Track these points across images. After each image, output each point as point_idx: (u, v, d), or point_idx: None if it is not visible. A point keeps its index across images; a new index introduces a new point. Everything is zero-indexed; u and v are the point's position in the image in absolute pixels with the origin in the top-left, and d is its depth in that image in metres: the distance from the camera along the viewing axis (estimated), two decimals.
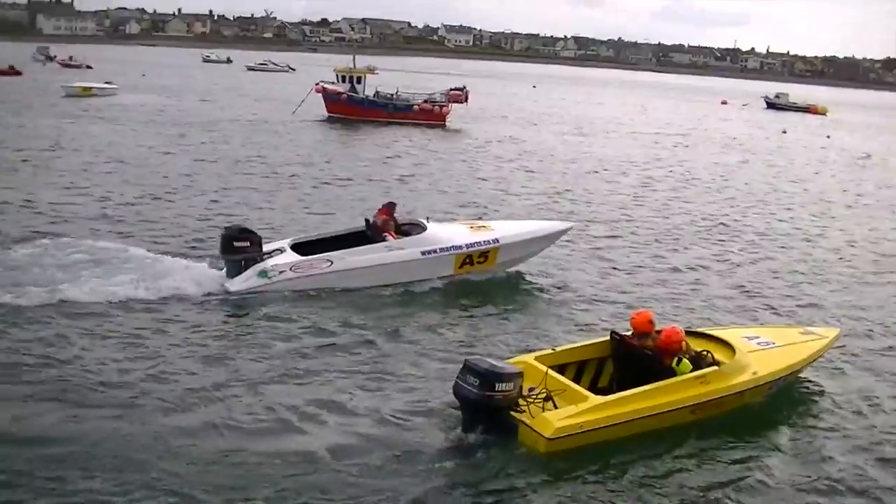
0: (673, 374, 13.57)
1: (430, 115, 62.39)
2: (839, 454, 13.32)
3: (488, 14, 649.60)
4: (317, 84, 63.27)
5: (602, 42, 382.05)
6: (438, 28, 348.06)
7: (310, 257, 19.99)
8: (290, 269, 19.62)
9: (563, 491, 11.68)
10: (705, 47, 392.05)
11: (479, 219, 26.19)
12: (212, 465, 11.60)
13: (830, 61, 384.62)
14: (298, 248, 20.67)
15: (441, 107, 62.96)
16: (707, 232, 30.18)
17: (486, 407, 12.44)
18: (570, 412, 12.57)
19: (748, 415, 14.17)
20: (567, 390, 13.11)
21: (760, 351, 15.18)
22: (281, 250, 20.38)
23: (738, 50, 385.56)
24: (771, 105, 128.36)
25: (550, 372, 13.28)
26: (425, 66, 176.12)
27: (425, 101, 63.55)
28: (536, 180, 39.89)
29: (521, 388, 12.67)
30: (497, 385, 12.31)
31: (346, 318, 18.02)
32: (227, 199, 29.76)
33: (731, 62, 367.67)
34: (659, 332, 14.20)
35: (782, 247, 28.89)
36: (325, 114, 62.15)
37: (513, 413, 12.61)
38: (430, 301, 19.87)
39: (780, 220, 34.07)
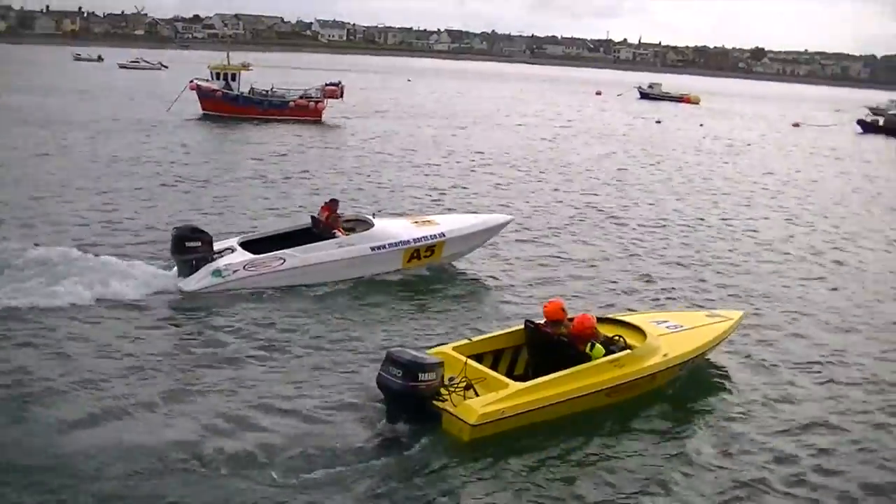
0: (587, 359, 14.01)
1: (305, 111, 61.44)
2: (745, 432, 13.99)
3: (361, 8, 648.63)
4: (191, 81, 61.42)
5: (476, 35, 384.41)
6: (312, 23, 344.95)
7: (262, 255, 20.12)
8: (244, 267, 19.75)
9: (488, 475, 12.06)
10: (578, 39, 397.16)
11: (426, 213, 26.29)
12: (152, 475, 11.48)
13: (701, 51, 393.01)
14: (247, 246, 20.78)
15: (317, 102, 61.93)
16: (601, 222, 30.69)
17: (411, 397, 12.74)
18: (492, 399, 12.94)
19: (661, 396, 14.81)
20: (487, 378, 13.50)
21: (670, 334, 15.72)
22: (231, 249, 20.47)
23: (611, 41, 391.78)
24: (645, 95, 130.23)
25: (469, 361, 13.67)
26: (299, 61, 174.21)
27: (301, 97, 62.42)
28: (421, 175, 39.83)
29: (442, 377, 13.03)
30: (420, 375, 12.67)
31: (284, 317, 18.15)
32: (115, 200, 28.95)
33: (604, 53, 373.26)
34: (571, 319, 14.59)
35: (676, 234, 29.82)
36: (200, 111, 60.58)
37: (435, 402, 12.93)
38: (376, 296, 20.12)
39: (673, 209, 34.86)
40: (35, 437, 12.13)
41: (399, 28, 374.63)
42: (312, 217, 22.17)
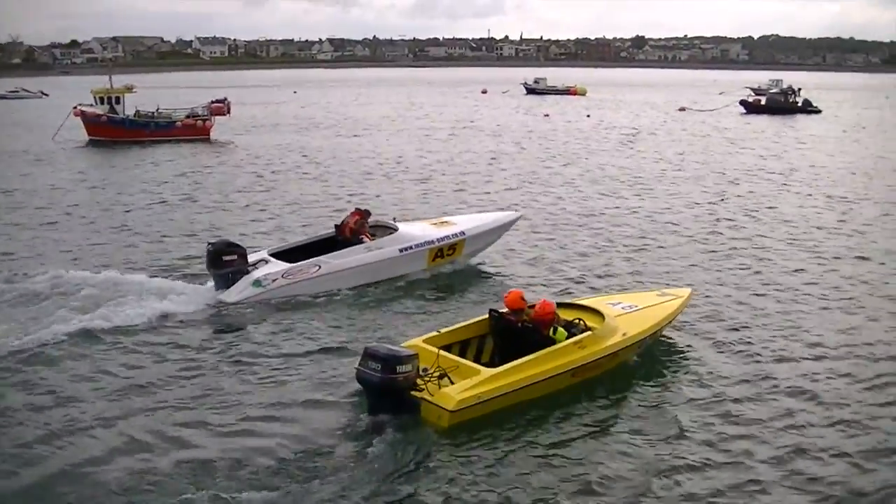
0: (551, 342, 15.00)
1: (193, 130, 60.38)
2: (700, 401, 15.03)
3: (240, 23, 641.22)
4: (75, 108, 59.83)
5: (358, 42, 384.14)
6: (192, 41, 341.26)
7: (299, 263, 21.18)
8: (282, 276, 20.77)
9: (468, 458, 12.80)
10: (460, 39, 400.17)
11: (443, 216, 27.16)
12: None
13: (583, 43, 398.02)
14: (279, 256, 21.87)
15: (204, 121, 60.99)
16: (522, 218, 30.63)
17: (390, 389, 13.46)
18: (467, 385, 13.81)
19: (622, 373, 15.95)
20: (459, 367, 14.37)
21: (626, 314, 16.87)
22: (265, 261, 21.44)
23: (493, 39, 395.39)
24: (531, 90, 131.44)
25: (442, 352, 14.52)
26: (183, 80, 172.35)
27: (188, 117, 61.44)
28: (319, 185, 39.62)
29: (418, 368, 13.76)
30: (398, 367, 13.38)
31: (323, 320, 19.38)
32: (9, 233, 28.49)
33: (486, 51, 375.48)
34: (532, 306, 15.63)
35: (594, 224, 30.81)
36: (87, 137, 59.03)
37: (413, 393, 13.68)
38: (403, 297, 21.30)
39: (586, 199, 35.80)
40: (115, 456, 12.71)
41: (281, 40, 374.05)
42: (336, 225, 23.15)
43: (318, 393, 15.06)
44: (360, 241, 22.21)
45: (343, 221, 23.04)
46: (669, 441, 13.48)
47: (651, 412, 14.56)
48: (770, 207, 34.09)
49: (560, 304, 16.59)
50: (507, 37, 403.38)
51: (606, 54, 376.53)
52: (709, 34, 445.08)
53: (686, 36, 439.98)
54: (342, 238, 22.53)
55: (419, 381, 13.81)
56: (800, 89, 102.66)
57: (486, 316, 16.18)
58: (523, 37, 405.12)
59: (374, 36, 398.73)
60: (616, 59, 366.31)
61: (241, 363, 16.56)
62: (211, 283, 21.01)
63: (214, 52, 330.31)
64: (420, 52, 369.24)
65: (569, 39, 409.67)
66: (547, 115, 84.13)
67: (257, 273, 20.74)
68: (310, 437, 13.30)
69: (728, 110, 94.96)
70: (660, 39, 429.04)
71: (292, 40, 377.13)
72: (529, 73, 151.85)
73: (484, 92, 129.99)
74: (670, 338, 17.94)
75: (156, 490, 11.69)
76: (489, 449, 13.07)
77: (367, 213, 23.24)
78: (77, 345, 17.14)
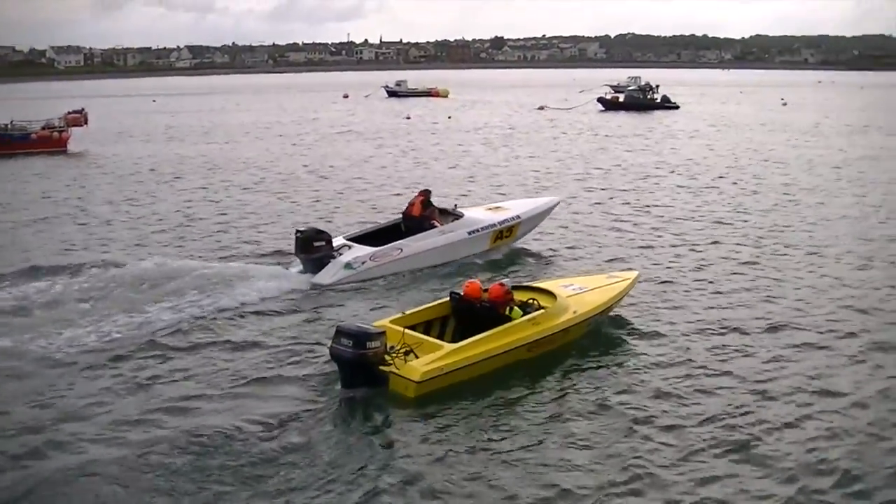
0: (507, 320, 16.39)
1: (50, 142, 57.45)
2: (646, 372, 16.28)
3: (96, 31, 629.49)
4: None
5: (217, 48, 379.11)
6: (46, 50, 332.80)
7: (384, 247, 23.27)
8: (370, 258, 22.86)
9: (434, 425, 13.99)
10: (320, 43, 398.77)
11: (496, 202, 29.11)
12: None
13: (443, 45, 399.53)
14: (357, 241, 23.89)
15: (61, 132, 58.20)
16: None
17: (361, 363, 14.69)
18: (431, 359, 15.11)
19: (574, 348, 17.30)
20: (424, 343, 15.66)
21: (577, 295, 18.28)
22: (347, 246, 23.35)
23: (353, 43, 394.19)
24: (393, 93, 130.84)
25: (407, 330, 15.81)
26: (37, 91, 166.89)
27: (43, 128, 58.49)
28: (189, 193, 38.56)
29: (386, 345, 15.00)
30: (368, 343, 14.60)
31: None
32: None
33: (346, 56, 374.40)
34: (486, 290, 17.01)
35: None
36: None
37: (382, 367, 14.89)
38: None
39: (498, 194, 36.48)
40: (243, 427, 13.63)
41: (138, 48, 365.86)
42: (404, 212, 25.16)
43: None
44: (433, 226, 24.35)
45: (410, 203, 25.26)
46: (610, 410, 14.61)
47: (598, 384, 15.74)
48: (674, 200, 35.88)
49: (516, 287, 17.98)
50: (366, 40, 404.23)
51: (466, 56, 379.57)
52: (566, 34, 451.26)
53: (544, 36, 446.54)
54: (409, 224, 24.60)
55: (387, 356, 15.01)
56: (658, 86, 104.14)
57: (448, 298, 17.49)
58: (383, 40, 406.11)
59: (234, 42, 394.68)
60: (476, 60, 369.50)
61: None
62: (296, 269, 22.99)
63: (70, 62, 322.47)
64: (280, 58, 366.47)
65: (428, 42, 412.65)
66: (408, 118, 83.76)
67: (347, 257, 22.75)
68: (281, 409, 14.31)
69: (586, 108, 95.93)
70: (518, 40, 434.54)
71: (150, 48, 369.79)
72: (390, 77, 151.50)
73: (345, 96, 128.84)
74: (619, 316, 19.31)
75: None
76: (452, 417, 14.25)
77: (429, 193, 25.44)
78: (195, 329, 18.56)
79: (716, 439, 13.45)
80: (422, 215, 24.57)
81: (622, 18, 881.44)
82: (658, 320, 19.31)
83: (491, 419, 14.24)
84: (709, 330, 18.71)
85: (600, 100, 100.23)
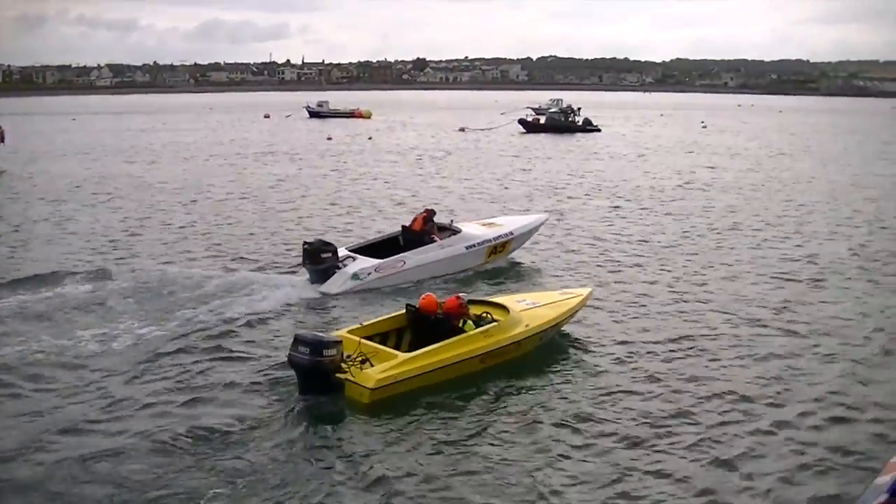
0: (461, 332, 17.07)
1: None
2: (593, 384, 16.98)
3: (14, 47, 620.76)
4: None
5: (138, 67, 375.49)
6: None
7: (389, 259, 24.57)
8: (375, 270, 24.11)
9: (387, 430, 14.62)
10: (242, 63, 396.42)
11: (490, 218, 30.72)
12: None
13: (365, 66, 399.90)
14: (360, 253, 25.11)
15: None
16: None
17: (318, 370, 15.32)
18: (386, 367, 15.77)
19: (526, 361, 17.84)
20: (379, 353, 16.34)
21: (529, 309, 18.85)
22: (352, 258, 24.51)
23: (275, 63, 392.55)
24: (314, 114, 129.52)
25: (363, 340, 16.41)
26: None
27: None
28: (108, 213, 37.58)
29: (342, 353, 15.59)
30: (324, 351, 15.23)
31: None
32: None
33: (268, 76, 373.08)
34: (442, 303, 17.55)
35: None
36: None
37: (338, 375, 15.49)
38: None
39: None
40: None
41: (58, 66, 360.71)
42: (403, 226, 26.67)
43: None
44: (432, 241, 25.66)
45: (413, 219, 26.82)
46: (558, 420, 15.12)
47: (548, 396, 16.35)
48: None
49: (471, 301, 18.55)
50: (288, 61, 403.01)
51: (388, 77, 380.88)
52: (488, 56, 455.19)
53: (466, 58, 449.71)
54: (408, 238, 25.96)
55: (343, 365, 15.58)
56: (579, 108, 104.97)
57: (404, 311, 18.06)
58: (305, 60, 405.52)
59: (155, 61, 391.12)
60: (398, 82, 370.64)
61: None
62: (303, 278, 24.28)
63: None
64: (202, 77, 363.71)
65: (351, 63, 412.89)
66: (329, 139, 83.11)
67: (354, 268, 23.96)
68: (242, 415, 14.86)
69: (507, 129, 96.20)
70: (441, 62, 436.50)
71: (70, 66, 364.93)
72: (312, 97, 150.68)
73: (267, 116, 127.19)
74: (570, 330, 20.04)
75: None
76: (405, 424, 14.87)
77: (433, 213, 26.78)
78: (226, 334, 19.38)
79: (657, 440, 14.34)
80: (422, 230, 26.04)
81: (544, 41, 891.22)
82: (607, 335, 20.05)
83: (442, 427, 14.82)
84: (654, 343, 19.49)
85: (521, 122, 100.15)
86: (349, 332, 17.09)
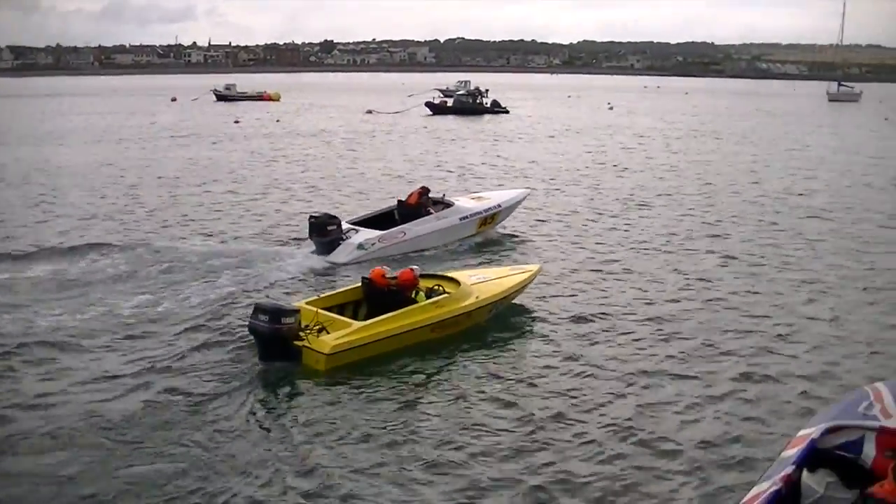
0: (414, 303, 18.04)
1: None
2: (544, 354, 17.84)
3: None
4: None
5: (41, 49, 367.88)
6: None
7: (391, 230, 26.43)
8: (378, 240, 25.84)
9: (341, 395, 15.40)
10: (148, 45, 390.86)
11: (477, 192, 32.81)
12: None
13: (272, 48, 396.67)
14: (361, 225, 26.84)
15: None
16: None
17: (276, 337, 16.17)
18: (341, 334, 16.63)
19: (477, 331, 18.88)
20: (335, 322, 17.11)
21: (480, 283, 19.81)
22: (354, 230, 26.20)
23: (181, 45, 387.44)
24: (222, 97, 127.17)
25: (320, 311, 17.31)
26: None
27: None
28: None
29: (300, 322, 16.50)
30: (282, 319, 16.11)
31: None
32: None
33: (174, 58, 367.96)
34: (395, 278, 18.46)
35: None
36: None
37: (296, 342, 16.38)
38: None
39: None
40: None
41: None
42: (399, 201, 28.40)
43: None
44: (428, 213, 27.49)
45: (409, 195, 28.50)
46: (503, 388, 15.91)
47: (496, 364, 17.20)
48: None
49: (424, 275, 19.48)
50: (195, 43, 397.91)
51: (296, 59, 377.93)
52: (396, 38, 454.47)
53: (374, 40, 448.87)
54: (404, 211, 27.62)
55: (301, 333, 16.47)
56: (487, 90, 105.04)
57: (360, 284, 18.98)
58: (212, 43, 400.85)
59: (58, 43, 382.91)
60: (306, 64, 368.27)
61: None
62: (307, 250, 26.05)
63: None
64: (106, 60, 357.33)
65: (258, 45, 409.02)
66: (237, 121, 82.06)
67: (358, 238, 25.67)
68: (199, 382, 15.63)
69: (415, 112, 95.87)
70: (348, 44, 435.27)
71: None
72: (219, 80, 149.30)
73: (174, 100, 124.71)
74: (522, 304, 20.99)
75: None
76: (359, 389, 15.61)
77: (427, 189, 28.64)
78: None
79: (580, 413, 14.87)
80: (417, 203, 27.70)
81: (452, 23, 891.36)
82: (551, 308, 20.98)
83: (392, 391, 15.64)
84: (593, 317, 20.29)
85: (428, 104, 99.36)
86: (307, 302, 17.97)
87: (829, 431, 9.82)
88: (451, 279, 19.66)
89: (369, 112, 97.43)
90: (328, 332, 16.67)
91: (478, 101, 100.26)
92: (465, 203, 29.14)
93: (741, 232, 30.47)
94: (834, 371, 16.91)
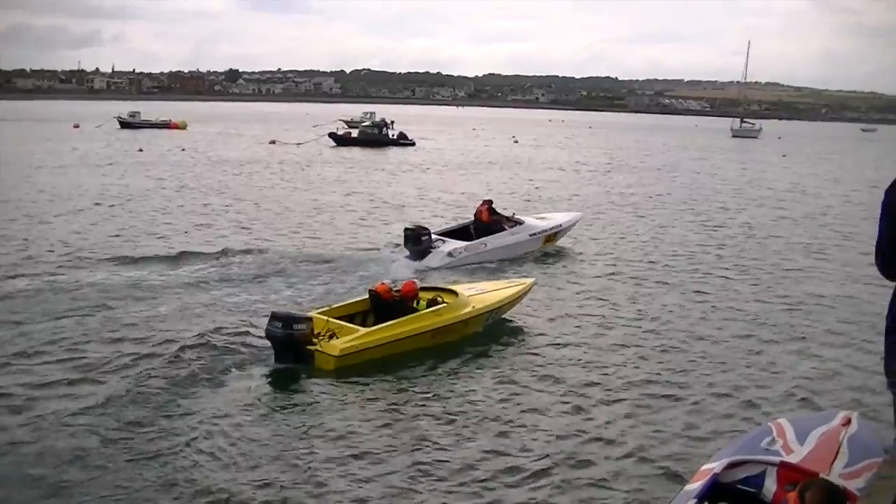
0: (415, 311, 19.97)
1: None
2: (529, 359, 19.63)
3: None
4: None
5: None
6: None
7: (474, 242, 30.27)
8: (464, 249, 29.67)
9: (349, 394, 17.09)
10: (49, 70, 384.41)
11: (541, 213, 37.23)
12: None
13: (177, 76, 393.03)
14: (443, 236, 30.34)
15: None
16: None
17: (289, 342, 18.00)
18: (349, 339, 18.47)
19: (473, 339, 20.77)
20: (344, 329, 18.95)
21: (476, 295, 21.69)
22: (442, 240, 29.88)
23: (84, 71, 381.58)
24: (126, 124, 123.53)
25: (330, 319, 19.15)
26: None
27: None
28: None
29: (312, 329, 18.41)
30: (295, 325, 18.02)
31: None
32: None
33: (77, 84, 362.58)
34: (399, 290, 20.33)
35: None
36: None
37: (308, 347, 18.17)
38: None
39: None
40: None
41: None
42: (475, 216, 31.87)
43: None
44: (503, 229, 31.28)
45: (478, 210, 31.92)
46: (494, 388, 17.64)
47: (489, 368, 19.07)
48: None
49: (423, 287, 21.41)
50: (98, 69, 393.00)
51: (200, 87, 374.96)
52: (302, 68, 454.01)
53: (280, 69, 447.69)
54: (479, 225, 31.32)
55: (313, 339, 18.28)
56: (392, 122, 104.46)
57: (367, 296, 20.66)
58: (116, 69, 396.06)
59: None
60: (210, 93, 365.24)
61: None
62: (402, 255, 29.60)
63: None
64: (6, 84, 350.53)
65: (162, 72, 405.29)
66: (141, 150, 79.18)
67: (448, 247, 29.44)
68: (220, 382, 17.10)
69: (319, 142, 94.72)
70: (253, 73, 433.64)
71: None
72: (123, 107, 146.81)
73: (76, 126, 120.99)
74: (515, 315, 22.84)
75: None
76: (365, 389, 17.31)
77: (491, 202, 32.27)
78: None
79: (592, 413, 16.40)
80: (490, 220, 31.33)
81: (359, 54, 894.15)
82: (543, 318, 23.08)
83: (395, 391, 17.30)
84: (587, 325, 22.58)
85: (332, 135, 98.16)
86: (319, 312, 19.66)
87: (732, 466, 10.18)
88: (450, 290, 21.57)
89: (273, 142, 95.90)
90: (337, 338, 18.49)
91: (384, 132, 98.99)
92: (533, 221, 32.88)
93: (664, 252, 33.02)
94: (755, 402, 17.21)
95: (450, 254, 29.22)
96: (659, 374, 18.77)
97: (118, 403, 15.53)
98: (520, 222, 32.11)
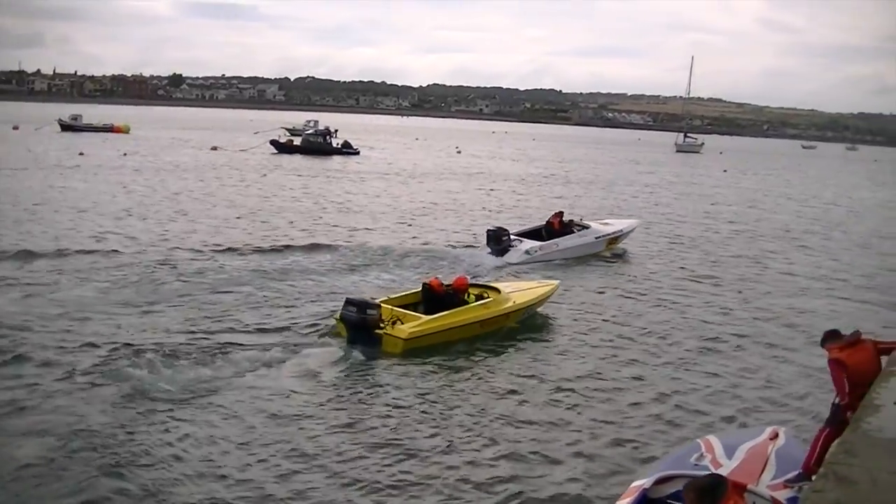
0: (465, 304, 22.35)
1: None
2: (567, 354, 21.88)
3: None
4: None
5: None
6: None
7: (548, 242, 34.16)
8: (539, 248, 33.47)
9: (415, 372, 19.35)
10: None
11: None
12: None
13: (119, 79, 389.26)
14: (523, 237, 34.19)
15: None
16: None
17: (362, 325, 20.25)
18: (415, 324, 20.86)
19: (513, 330, 23.22)
20: (407, 316, 21.34)
21: (514, 292, 24.18)
22: (519, 240, 33.75)
23: (24, 72, 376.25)
24: (67, 127, 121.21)
25: (395, 307, 21.53)
26: None
27: None
28: None
29: (381, 314, 20.66)
30: (368, 310, 20.28)
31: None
32: None
33: (17, 85, 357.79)
34: (450, 285, 22.84)
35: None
36: None
37: (377, 331, 20.41)
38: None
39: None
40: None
41: None
42: (548, 221, 35.74)
43: None
44: (573, 232, 35.11)
45: (549, 219, 35.81)
46: (532, 373, 19.89)
47: (525, 355, 21.51)
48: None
49: (472, 284, 23.54)
50: (39, 70, 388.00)
51: (143, 91, 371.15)
52: (246, 74, 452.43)
53: (224, 75, 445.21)
54: (550, 229, 35.05)
55: (381, 324, 20.50)
56: (336, 130, 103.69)
57: (420, 288, 23.10)
58: (57, 71, 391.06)
59: None
60: (153, 97, 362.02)
61: None
62: (486, 252, 33.59)
63: None
64: None
65: (104, 75, 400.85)
66: (82, 154, 77.50)
67: (525, 246, 33.29)
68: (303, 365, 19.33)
69: (261, 149, 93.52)
70: (197, 78, 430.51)
71: None
72: (64, 110, 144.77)
73: (16, 128, 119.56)
74: (545, 313, 25.32)
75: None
76: (427, 368, 19.65)
77: (563, 213, 36.27)
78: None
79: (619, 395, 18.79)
80: (561, 225, 35.19)
81: (304, 62, 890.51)
82: (570, 318, 25.44)
83: (454, 370, 19.75)
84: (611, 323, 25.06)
85: (273, 142, 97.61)
86: (383, 301, 21.82)
87: (661, 481, 10.54)
88: (493, 287, 24.09)
89: (214, 148, 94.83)
90: (402, 324, 20.76)
91: (326, 140, 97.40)
92: (598, 226, 36.53)
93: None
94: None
95: (527, 251, 32.96)
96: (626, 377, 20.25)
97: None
98: (587, 227, 35.92)
